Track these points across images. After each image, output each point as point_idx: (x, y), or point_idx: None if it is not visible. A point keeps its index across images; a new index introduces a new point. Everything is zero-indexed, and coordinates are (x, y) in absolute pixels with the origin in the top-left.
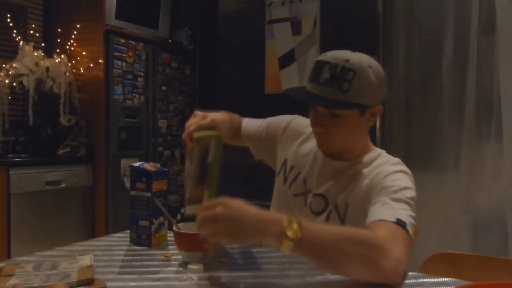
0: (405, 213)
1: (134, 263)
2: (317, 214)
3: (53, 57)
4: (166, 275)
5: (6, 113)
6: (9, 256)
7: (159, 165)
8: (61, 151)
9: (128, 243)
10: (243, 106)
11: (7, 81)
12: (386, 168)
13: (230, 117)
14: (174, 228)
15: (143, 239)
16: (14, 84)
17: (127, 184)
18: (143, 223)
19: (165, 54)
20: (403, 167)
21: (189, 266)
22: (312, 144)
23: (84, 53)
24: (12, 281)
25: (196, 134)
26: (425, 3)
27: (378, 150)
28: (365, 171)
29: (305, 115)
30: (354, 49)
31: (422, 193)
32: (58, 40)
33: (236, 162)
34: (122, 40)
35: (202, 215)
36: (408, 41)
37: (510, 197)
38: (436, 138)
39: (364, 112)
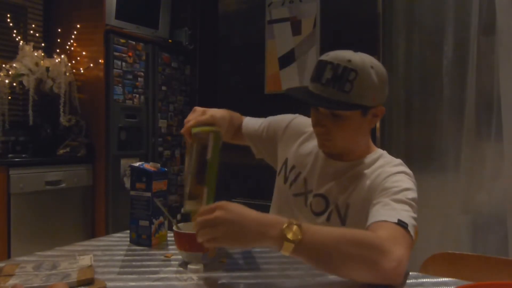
0: (406, 214)
1: (134, 263)
2: (318, 214)
3: (53, 57)
4: (166, 275)
5: (6, 113)
6: (9, 256)
7: (159, 165)
8: (61, 151)
9: (128, 243)
10: (243, 106)
11: (7, 81)
12: (388, 169)
13: (230, 115)
14: (174, 228)
15: (143, 239)
16: (14, 84)
17: (127, 184)
18: (143, 223)
19: (165, 54)
20: (405, 168)
21: (189, 266)
22: (313, 143)
23: (84, 53)
24: (12, 281)
25: (195, 130)
26: (425, 3)
27: (379, 151)
28: (366, 172)
29: (305, 115)
30: (354, 49)
31: (422, 193)
32: (58, 40)
33: (236, 162)
34: (122, 40)
35: (201, 219)
36: (408, 41)
37: (510, 197)
38: (436, 138)
39: (366, 113)
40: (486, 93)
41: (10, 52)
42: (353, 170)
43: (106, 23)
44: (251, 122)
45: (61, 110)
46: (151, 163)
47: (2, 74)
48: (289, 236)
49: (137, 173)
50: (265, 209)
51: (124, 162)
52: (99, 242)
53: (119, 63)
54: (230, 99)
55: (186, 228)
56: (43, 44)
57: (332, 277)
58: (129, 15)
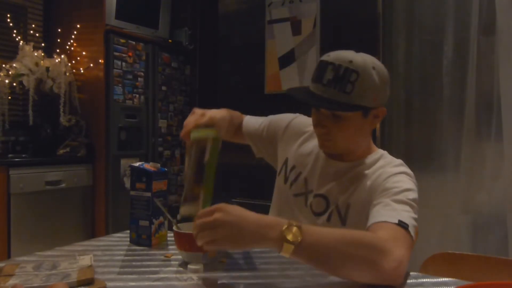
0: (407, 215)
1: (134, 263)
2: (318, 214)
3: (53, 57)
4: (166, 275)
5: (6, 113)
6: (9, 256)
7: (159, 165)
8: (61, 151)
9: (128, 243)
10: (243, 106)
11: (7, 81)
12: (388, 170)
13: (230, 114)
14: (174, 228)
15: (143, 239)
16: (14, 84)
17: (127, 184)
18: (143, 223)
19: (165, 54)
20: (406, 168)
21: (189, 266)
22: (313, 143)
23: (84, 53)
24: (12, 281)
25: (194, 133)
26: (425, 3)
27: (380, 152)
28: (367, 172)
29: (306, 115)
30: (354, 49)
31: (422, 193)
32: (58, 40)
33: (236, 162)
34: (122, 40)
35: (200, 221)
36: (408, 41)
37: (510, 197)
38: (436, 138)
39: (367, 114)
40: (486, 93)
41: (10, 52)
42: (354, 170)
43: (106, 23)
44: (251, 121)
45: (61, 110)
46: (151, 163)
47: (2, 74)
48: (289, 237)
49: (137, 173)
50: (265, 209)
51: (124, 162)
52: (99, 242)
53: (119, 63)
54: (230, 99)
55: (186, 228)
56: (43, 44)
57: (332, 277)
58: (129, 15)
